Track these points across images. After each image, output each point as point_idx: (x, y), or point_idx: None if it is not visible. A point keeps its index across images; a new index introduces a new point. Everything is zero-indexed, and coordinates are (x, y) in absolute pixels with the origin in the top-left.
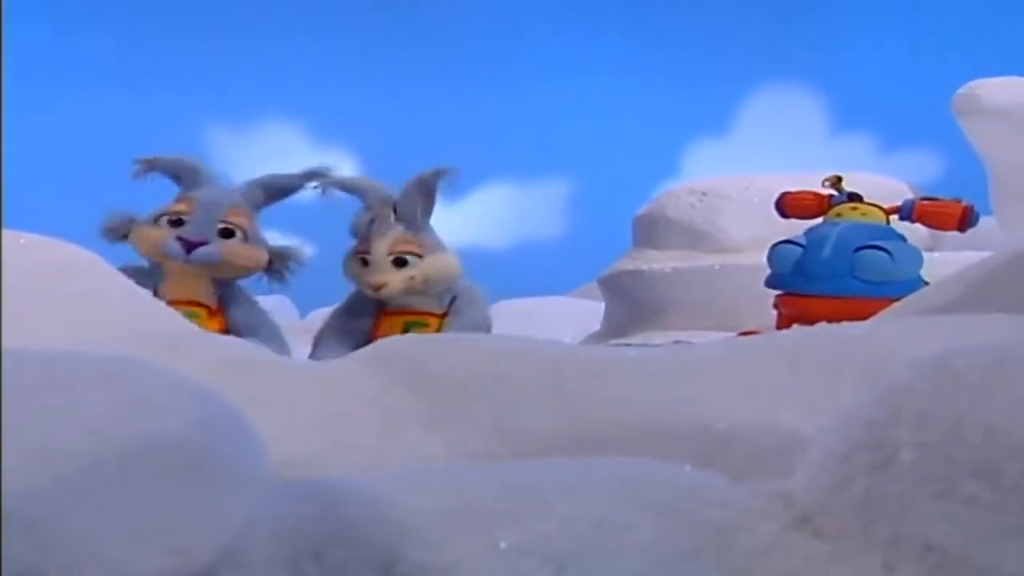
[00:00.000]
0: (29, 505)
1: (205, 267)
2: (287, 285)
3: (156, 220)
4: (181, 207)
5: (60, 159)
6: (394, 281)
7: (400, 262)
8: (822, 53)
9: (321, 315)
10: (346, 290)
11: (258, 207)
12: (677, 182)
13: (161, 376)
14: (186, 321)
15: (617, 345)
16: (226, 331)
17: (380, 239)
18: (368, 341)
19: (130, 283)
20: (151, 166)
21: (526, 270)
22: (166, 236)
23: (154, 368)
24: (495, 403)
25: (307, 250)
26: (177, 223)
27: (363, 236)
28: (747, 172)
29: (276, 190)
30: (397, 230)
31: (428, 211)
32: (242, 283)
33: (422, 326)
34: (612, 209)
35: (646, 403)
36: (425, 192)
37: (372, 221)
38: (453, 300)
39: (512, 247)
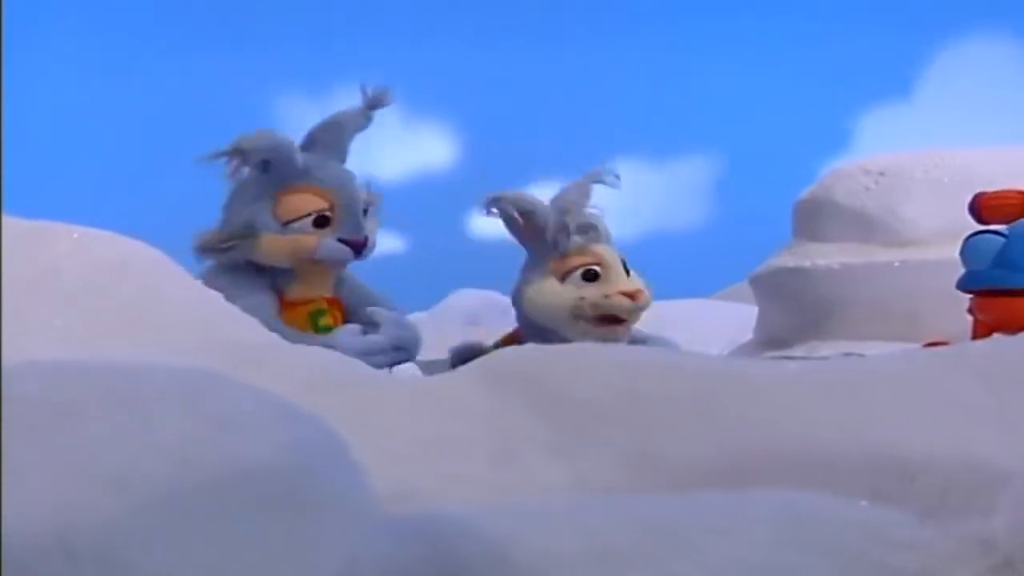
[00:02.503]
0: (104, 539)
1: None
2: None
3: (292, 220)
4: (319, 202)
5: (115, 133)
6: (645, 288)
7: (626, 269)
8: None
9: (415, 321)
10: (443, 290)
11: (347, 153)
12: (848, 159)
13: (246, 393)
14: (263, 328)
15: (774, 358)
16: (346, 318)
17: (607, 245)
18: None
19: (197, 284)
20: (242, 156)
21: (661, 267)
22: (324, 238)
23: (238, 384)
24: (631, 426)
25: (399, 244)
26: (323, 223)
27: (577, 249)
28: (935, 146)
29: (356, 131)
30: (605, 234)
31: None
32: None
33: None
34: (766, 193)
35: (811, 427)
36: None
37: (589, 228)
38: None
39: (644, 239)
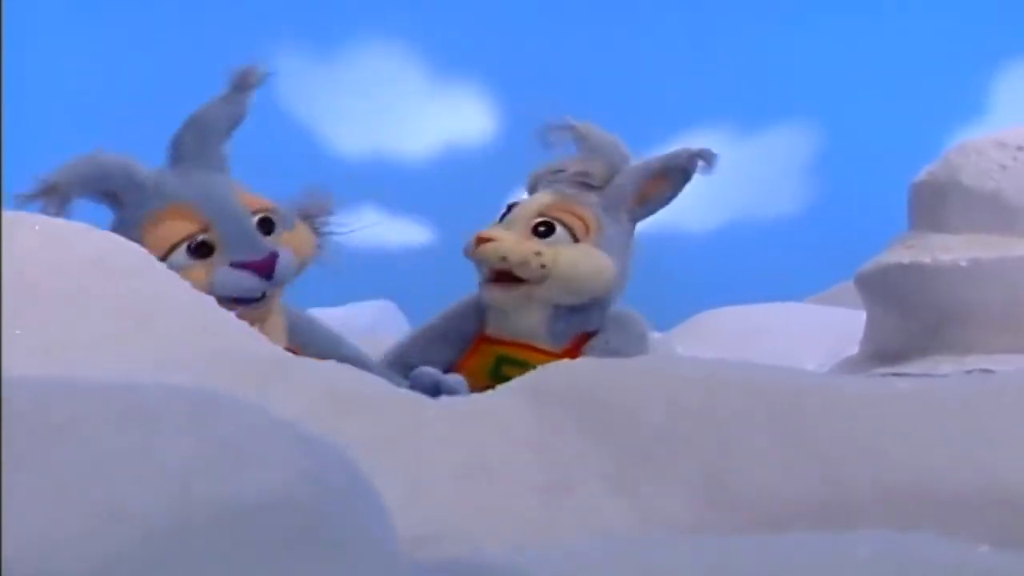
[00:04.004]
0: None
1: (279, 286)
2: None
3: (164, 257)
4: (186, 226)
5: (94, 97)
6: (510, 244)
7: (545, 231)
8: None
9: None
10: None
11: (226, 158)
12: (978, 131)
13: (258, 415)
14: (268, 340)
15: (886, 375)
16: None
17: (546, 192)
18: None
19: (187, 285)
20: (60, 194)
21: (744, 263)
22: (217, 272)
23: (247, 404)
24: (708, 453)
25: (424, 235)
26: (204, 251)
27: (531, 189)
28: None
29: (231, 126)
30: (583, 196)
31: (654, 207)
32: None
33: (520, 366)
34: (877, 172)
35: (922, 456)
36: (671, 180)
37: (571, 172)
38: (588, 335)
39: (723, 228)
